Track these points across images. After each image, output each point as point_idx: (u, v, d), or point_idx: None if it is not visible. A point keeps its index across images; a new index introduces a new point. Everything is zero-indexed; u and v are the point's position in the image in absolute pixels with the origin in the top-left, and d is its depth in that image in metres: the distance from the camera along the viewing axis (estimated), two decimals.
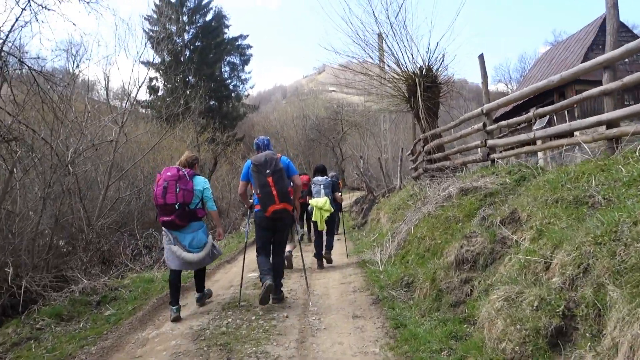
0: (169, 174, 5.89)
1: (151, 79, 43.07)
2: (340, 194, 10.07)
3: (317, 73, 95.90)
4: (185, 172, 5.97)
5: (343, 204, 10.10)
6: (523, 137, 7.95)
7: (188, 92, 42.62)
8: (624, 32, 29.38)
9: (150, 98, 43.20)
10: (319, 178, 9.59)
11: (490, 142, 8.89)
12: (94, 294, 7.63)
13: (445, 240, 7.01)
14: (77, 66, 14.16)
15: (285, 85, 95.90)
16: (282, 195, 6.12)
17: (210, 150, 19.57)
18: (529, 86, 8.13)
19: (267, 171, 6.06)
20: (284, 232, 6.70)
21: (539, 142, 8.81)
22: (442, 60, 11.43)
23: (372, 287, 7.13)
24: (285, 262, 7.88)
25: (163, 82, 43.17)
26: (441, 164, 10.67)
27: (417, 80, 11.15)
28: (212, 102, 45.30)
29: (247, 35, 47.56)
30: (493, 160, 8.81)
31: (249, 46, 47.55)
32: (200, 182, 6.12)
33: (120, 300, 7.48)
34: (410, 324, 5.17)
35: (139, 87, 15.28)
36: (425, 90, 11.11)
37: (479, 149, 10.17)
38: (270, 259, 6.50)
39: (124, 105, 15.98)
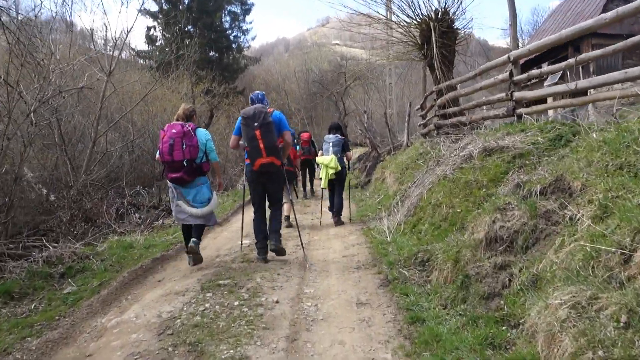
0: (173, 131, 5.80)
1: (149, 28, 41.31)
2: (350, 151, 9.83)
3: (321, 25, 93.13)
4: (190, 128, 5.88)
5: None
6: (561, 88, 6.69)
7: (187, 42, 41.23)
8: None
9: (149, 48, 41.42)
10: (330, 136, 9.40)
11: (517, 94, 7.62)
12: (60, 263, 6.56)
13: (466, 209, 5.89)
14: (71, 14, 12.95)
15: (288, 37, 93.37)
16: (269, 149, 6.04)
17: (206, 102, 18.21)
18: (564, 30, 6.79)
19: (255, 124, 5.97)
20: (276, 187, 6.54)
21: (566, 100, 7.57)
22: (460, 3, 10.08)
23: (379, 263, 6.04)
24: (285, 221, 8.11)
25: (161, 31, 41.37)
26: (456, 120, 9.46)
27: (431, 24, 9.80)
28: (211, 53, 43.57)
29: None
30: (520, 116, 7.59)
31: None
32: (202, 135, 6.06)
33: (87, 273, 6.38)
34: (429, 318, 4.09)
35: (127, 32, 13.94)
36: (440, 36, 9.77)
37: (505, 103, 8.97)
38: (267, 219, 6.49)
39: (112, 52, 14.58)
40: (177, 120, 6.05)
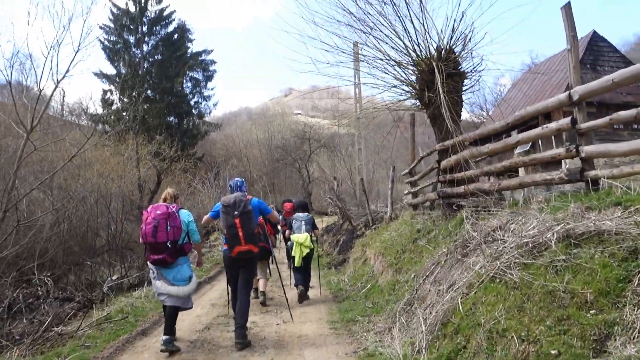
0: (158, 212, 5.73)
1: (105, 92, 38.44)
2: (318, 230, 9.84)
3: (284, 96, 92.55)
4: (174, 209, 5.87)
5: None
6: None
7: (146, 107, 38.48)
8: (612, 53, 26.67)
9: (104, 112, 38.44)
10: (300, 214, 9.31)
11: (588, 148, 4.95)
12: None
13: (567, 349, 3.06)
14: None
15: (251, 107, 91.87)
16: (248, 237, 6.10)
17: (152, 165, 15.22)
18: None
19: (235, 212, 6.08)
20: (250, 272, 6.53)
21: None
22: (470, 39, 7.61)
23: None
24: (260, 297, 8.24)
25: (118, 94, 38.57)
26: (474, 187, 6.73)
27: (434, 65, 7.27)
28: (171, 118, 40.86)
29: (212, 51, 43.36)
30: (595, 181, 4.91)
31: (212, 62, 43.46)
32: (185, 216, 6.04)
33: None
34: None
35: (57, 83, 11.00)
36: (445, 79, 7.24)
37: (563, 162, 6.32)
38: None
39: (35, 105, 11.54)
40: (165, 200, 6.08)
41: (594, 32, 25.96)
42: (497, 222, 5.33)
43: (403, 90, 8.11)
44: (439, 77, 7.17)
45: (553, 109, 6.19)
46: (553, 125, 5.46)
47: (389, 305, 6.39)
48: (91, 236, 13.65)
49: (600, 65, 26.10)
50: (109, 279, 10.47)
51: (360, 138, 24.37)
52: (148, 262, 6.02)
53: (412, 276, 6.65)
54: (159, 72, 39.74)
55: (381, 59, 7.96)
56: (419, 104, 8.26)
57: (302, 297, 8.61)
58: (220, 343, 6.17)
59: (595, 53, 26.22)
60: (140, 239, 5.88)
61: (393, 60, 8.01)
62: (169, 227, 5.63)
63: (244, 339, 5.92)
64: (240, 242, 6.05)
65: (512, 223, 5.00)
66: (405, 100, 8.31)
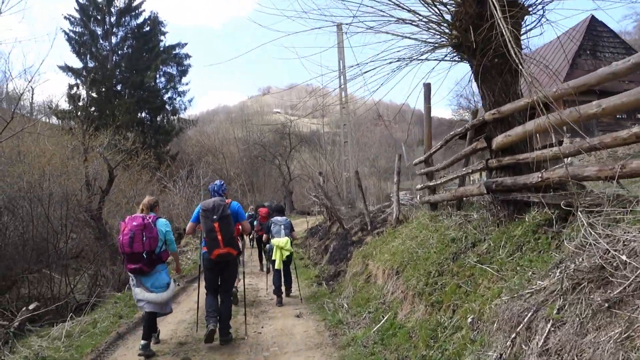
0: (134, 223, 5.75)
1: (71, 86, 35.04)
2: (295, 232, 9.91)
3: (262, 94, 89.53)
4: (150, 220, 5.86)
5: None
6: None
7: (116, 102, 35.21)
8: (611, 38, 24.45)
9: (70, 107, 35.07)
10: (279, 218, 9.18)
11: None
12: None
13: None
14: None
15: (230, 105, 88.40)
16: (227, 240, 6.11)
17: (102, 158, 12.18)
18: None
19: (214, 217, 6.09)
20: (229, 274, 6.54)
21: None
22: None
23: None
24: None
25: (85, 89, 35.25)
26: (569, 174, 3.95)
27: None
28: (143, 114, 37.62)
29: (186, 44, 40.31)
30: None
31: (187, 55, 40.30)
32: (162, 225, 6.05)
33: None
34: None
35: None
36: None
37: None
38: (218, 300, 6.42)
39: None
40: (141, 210, 6.05)
41: (592, 16, 23.74)
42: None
43: (436, 31, 5.31)
44: (495, 6, 4.39)
45: None
46: None
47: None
48: (32, 246, 10.75)
49: (600, 51, 23.84)
50: (24, 308, 7.51)
51: (347, 129, 21.56)
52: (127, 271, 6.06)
53: (469, 320, 3.92)
54: (128, 65, 36.51)
55: None
56: (454, 54, 5.48)
57: (281, 300, 8.59)
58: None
59: (595, 38, 23.93)
60: (119, 249, 6.00)
61: None
62: (144, 238, 5.69)
63: (227, 336, 6.17)
64: (220, 245, 6.08)
65: None
66: (431, 50, 5.49)
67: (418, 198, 9.93)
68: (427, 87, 7.70)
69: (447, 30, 5.35)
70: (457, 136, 6.66)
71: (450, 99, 47.06)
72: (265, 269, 12.11)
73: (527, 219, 4.63)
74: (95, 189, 12.40)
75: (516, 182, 4.69)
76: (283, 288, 8.79)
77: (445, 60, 5.59)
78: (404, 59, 5.82)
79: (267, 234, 9.11)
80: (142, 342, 5.67)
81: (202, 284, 6.60)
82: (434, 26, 5.33)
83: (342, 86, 23.50)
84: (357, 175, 11.38)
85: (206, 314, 6.21)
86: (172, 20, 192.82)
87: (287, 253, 8.73)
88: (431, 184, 7.66)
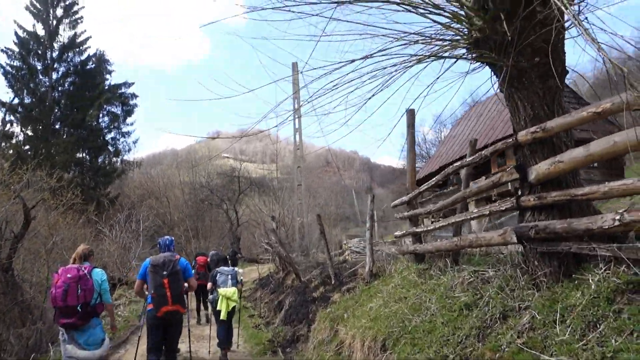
0: (68, 275, 5.34)
1: (4, 123, 32.17)
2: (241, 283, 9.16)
3: (211, 138, 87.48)
4: (86, 271, 5.45)
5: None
6: None
7: (53, 141, 32.51)
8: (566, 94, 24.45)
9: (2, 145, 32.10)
10: (225, 268, 8.85)
11: None
12: None
13: None
14: None
15: (178, 149, 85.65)
16: (175, 297, 5.94)
17: (15, 197, 10.06)
18: None
19: (164, 272, 5.92)
20: (176, 334, 6.24)
21: None
22: None
23: None
24: None
25: (20, 126, 32.49)
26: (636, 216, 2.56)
27: None
28: (82, 155, 34.93)
29: (132, 84, 38.00)
30: None
31: (133, 95, 38.12)
32: (98, 275, 5.63)
33: None
34: None
35: None
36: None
37: None
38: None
39: None
40: (74, 260, 5.66)
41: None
42: None
43: (450, 28, 3.89)
44: None
45: None
46: None
47: None
48: None
49: None
50: None
51: (301, 171, 20.07)
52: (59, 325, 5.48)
53: None
54: (69, 102, 34.04)
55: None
56: (470, 56, 4.06)
57: (226, 353, 8.26)
58: None
59: None
60: (51, 303, 5.51)
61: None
62: (79, 290, 5.32)
63: None
64: (168, 302, 5.87)
65: None
66: (444, 50, 4.08)
67: (387, 247, 8.39)
68: (411, 114, 6.33)
69: (460, 25, 3.95)
70: (469, 166, 5.18)
71: (402, 146, 46.94)
72: (204, 320, 11.99)
73: (590, 280, 3.19)
74: (6, 234, 10.21)
75: (571, 228, 3.25)
76: None
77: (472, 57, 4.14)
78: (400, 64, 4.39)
79: (212, 283, 8.72)
80: None
81: (142, 342, 6.19)
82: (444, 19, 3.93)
83: (297, 128, 22.29)
84: (319, 219, 9.77)
85: None
86: (121, 60, 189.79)
87: (234, 304, 8.48)
88: (418, 230, 6.15)
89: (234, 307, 8.53)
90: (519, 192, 3.84)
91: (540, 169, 3.54)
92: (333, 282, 8.86)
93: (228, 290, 8.41)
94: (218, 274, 8.73)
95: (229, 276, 8.63)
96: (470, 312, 4.01)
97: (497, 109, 25.61)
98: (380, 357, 4.76)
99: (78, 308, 5.30)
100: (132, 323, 11.80)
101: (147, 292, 6.25)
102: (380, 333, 5.03)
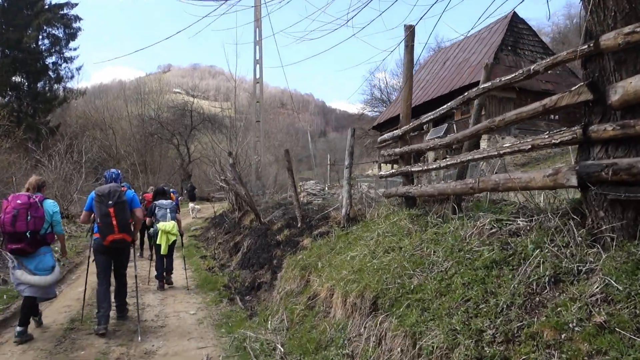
0: (18, 201, 5.40)
1: None
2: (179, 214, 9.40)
3: (162, 72, 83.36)
4: (37, 199, 5.49)
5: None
6: None
7: None
8: (531, 37, 23.84)
9: None
10: (164, 202, 8.63)
11: None
12: None
13: None
14: None
15: (126, 81, 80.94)
16: (122, 226, 5.90)
17: None
18: None
19: (110, 202, 5.84)
20: (123, 261, 6.33)
21: None
22: None
23: None
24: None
25: None
26: None
27: None
28: (19, 78, 31.95)
29: (76, 4, 34.55)
30: None
31: (77, 18, 34.85)
32: (50, 206, 5.68)
33: None
34: None
35: None
36: None
37: None
38: (112, 288, 6.17)
39: None
40: (27, 190, 5.68)
41: (514, 13, 23.00)
42: None
43: None
44: None
45: None
46: None
47: None
48: None
49: (521, 49, 23.10)
50: None
51: (260, 108, 18.67)
52: (7, 252, 5.57)
53: None
54: (3, 20, 30.69)
55: None
56: None
57: (163, 285, 8.38)
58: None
59: (516, 35, 23.11)
60: (0, 228, 5.46)
61: None
62: (29, 217, 5.35)
63: (123, 312, 6.36)
64: (114, 230, 5.80)
65: None
66: None
67: (368, 189, 7.45)
68: (411, 32, 5.22)
69: None
70: (483, 94, 4.14)
71: (364, 89, 45.74)
72: (147, 255, 11.51)
73: None
74: None
75: None
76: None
77: None
78: None
79: (150, 217, 8.49)
80: (18, 328, 5.36)
81: (92, 269, 6.22)
82: None
83: (257, 59, 20.67)
84: (287, 154, 8.64)
85: (98, 309, 5.84)
86: None
87: (174, 238, 8.43)
88: (415, 169, 5.18)
89: (174, 241, 8.51)
90: (586, 120, 2.88)
91: (629, 86, 2.55)
92: (299, 225, 7.89)
93: (167, 224, 8.30)
94: (157, 208, 8.52)
95: (168, 209, 8.45)
96: (501, 272, 3.11)
97: (464, 56, 24.80)
98: (371, 319, 3.86)
99: (27, 234, 5.33)
100: (71, 260, 10.64)
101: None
102: (370, 289, 4.11)
